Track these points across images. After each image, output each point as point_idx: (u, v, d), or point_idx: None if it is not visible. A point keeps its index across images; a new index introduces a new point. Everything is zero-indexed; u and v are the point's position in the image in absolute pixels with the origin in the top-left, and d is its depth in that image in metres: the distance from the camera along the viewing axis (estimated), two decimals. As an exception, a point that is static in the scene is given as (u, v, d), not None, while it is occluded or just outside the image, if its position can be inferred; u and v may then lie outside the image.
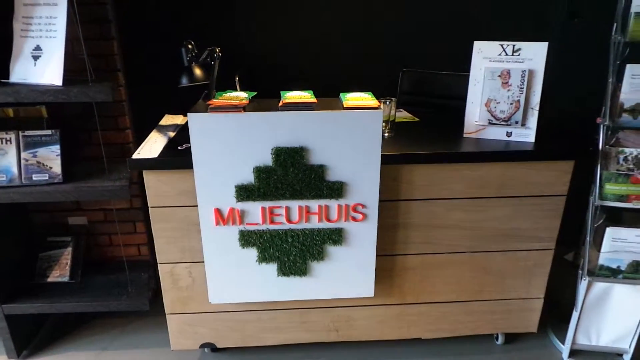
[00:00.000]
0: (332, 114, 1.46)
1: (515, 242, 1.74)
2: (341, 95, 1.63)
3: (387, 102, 1.70)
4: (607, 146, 1.65)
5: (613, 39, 1.58)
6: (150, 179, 1.56)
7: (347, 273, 1.66)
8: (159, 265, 1.67)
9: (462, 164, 1.61)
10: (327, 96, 1.67)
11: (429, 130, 1.86)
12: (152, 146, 1.62)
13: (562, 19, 2.40)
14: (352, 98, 1.57)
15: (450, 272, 1.78)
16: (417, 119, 2.00)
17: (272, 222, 1.58)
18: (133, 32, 2.07)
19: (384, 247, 1.70)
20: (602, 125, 1.64)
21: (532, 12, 2.39)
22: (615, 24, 1.57)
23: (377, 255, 1.66)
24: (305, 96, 1.56)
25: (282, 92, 1.60)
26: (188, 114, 1.44)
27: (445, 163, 1.60)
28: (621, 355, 1.89)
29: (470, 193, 1.66)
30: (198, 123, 1.44)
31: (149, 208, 1.59)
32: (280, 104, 1.52)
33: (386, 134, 1.73)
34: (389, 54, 2.40)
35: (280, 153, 1.49)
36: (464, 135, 1.74)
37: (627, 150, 1.63)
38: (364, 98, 1.58)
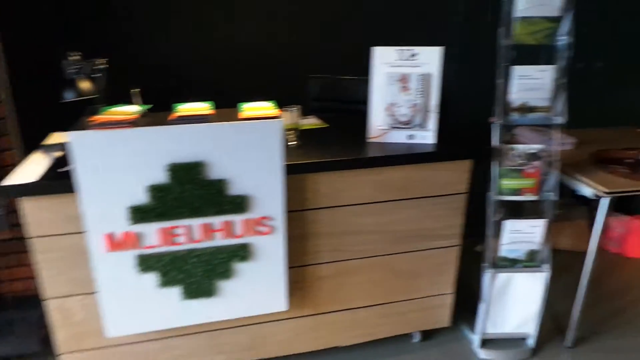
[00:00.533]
0: (226, 126, 1.39)
1: (422, 242, 1.78)
2: (239, 105, 1.57)
3: (292, 110, 1.67)
4: (500, 144, 1.73)
5: (500, 42, 1.66)
6: (28, 206, 1.39)
7: (257, 289, 1.60)
8: (46, 300, 1.50)
9: (366, 169, 1.61)
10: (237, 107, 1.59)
11: (335, 136, 1.85)
12: (32, 169, 1.45)
13: (459, 20, 2.51)
14: (250, 108, 1.52)
15: (363, 277, 1.78)
16: (326, 125, 1.99)
17: (172, 243, 1.47)
18: (23, 43, 1.85)
19: (295, 259, 1.66)
20: (495, 124, 1.72)
21: (435, 15, 2.47)
22: (501, 28, 1.64)
23: (288, 268, 1.62)
24: (201, 108, 1.48)
25: (173, 105, 1.51)
26: (67, 132, 1.30)
27: (349, 170, 1.60)
28: (524, 339, 2.00)
29: (376, 197, 1.67)
30: (78, 142, 1.31)
31: (29, 238, 1.42)
32: (172, 117, 1.43)
33: (292, 143, 1.69)
34: (300, 61, 2.37)
35: (176, 169, 1.39)
36: (368, 140, 1.75)
37: (517, 147, 1.73)
38: (263, 107, 1.53)
